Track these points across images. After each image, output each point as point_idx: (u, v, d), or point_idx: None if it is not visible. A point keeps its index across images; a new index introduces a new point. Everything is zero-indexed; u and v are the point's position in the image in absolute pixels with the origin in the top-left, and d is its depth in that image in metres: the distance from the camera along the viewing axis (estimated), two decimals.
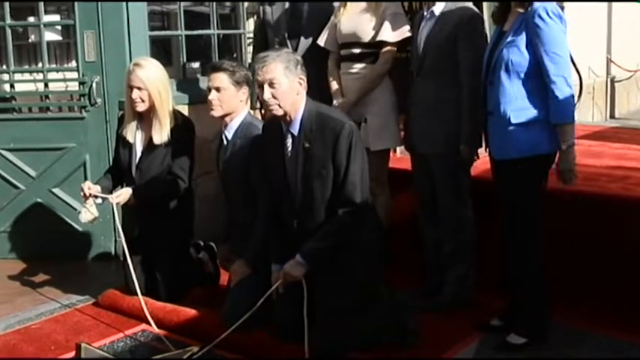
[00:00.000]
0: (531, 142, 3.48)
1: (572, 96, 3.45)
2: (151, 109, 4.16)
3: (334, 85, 4.43)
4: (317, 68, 4.37)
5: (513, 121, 3.48)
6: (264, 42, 4.81)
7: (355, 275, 3.52)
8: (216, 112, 4.01)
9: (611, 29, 10.87)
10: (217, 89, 3.96)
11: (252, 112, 4.42)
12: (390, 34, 4.22)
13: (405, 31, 4.23)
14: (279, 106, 3.52)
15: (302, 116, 3.57)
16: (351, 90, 4.33)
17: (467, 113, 3.86)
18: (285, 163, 3.63)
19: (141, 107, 4.15)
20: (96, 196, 4.15)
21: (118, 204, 4.16)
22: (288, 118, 3.57)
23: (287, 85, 3.50)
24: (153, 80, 4.12)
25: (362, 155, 3.54)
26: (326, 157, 3.49)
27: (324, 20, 4.53)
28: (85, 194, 4.12)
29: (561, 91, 3.40)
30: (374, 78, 4.28)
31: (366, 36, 4.26)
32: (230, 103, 3.99)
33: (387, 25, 4.22)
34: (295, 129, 3.58)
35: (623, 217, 4.16)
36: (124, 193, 4.14)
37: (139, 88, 4.11)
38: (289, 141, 3.61)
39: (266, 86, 3.49)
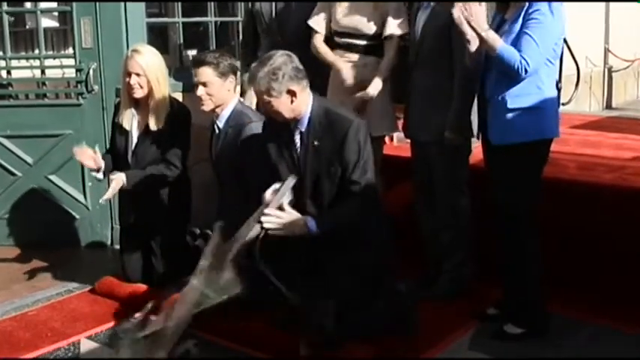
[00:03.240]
0: (530, 127, 3.49)
1: (518, 77, 3.44)
2: (149, 96, 4.15)
3: (340, 63, 4.37)
4: (302, 53, 4.37)
5: (510, 106, 3.50)
6: (253, 31, 4.82)
7: (362, 267, 3.52)
8: (207, 107, 4.00)
9: (608, 19, 10.88)
10: (204, 84, 3.94)
11: (241, 99, 4.41)
12: (397, 28, 4.23)
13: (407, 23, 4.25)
14: (281, 116, 3.56)
15: (310, 113, 3.58)
16: (352, 79, 4.33)
17: (456, 100, 3.87)
18: (295, 160, 3.64)
19: (139, 94, 4.14)
20: (97, 170, 4.17)
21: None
22: (293, 119, 3.59)
23: (277, 102, 3.50)
24: (151, 67, 4.12)
25: (370, 152, 3.56)
26: (334, 154, 3.51)
27: (312, 9, 4.51)
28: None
29: (516, 69, 3.41)
30: (388, 70, 4.28)
31: (369, 29, 4.27)
32: (219, 95, 3.97)
33: (391, 19, 4.24)
34: (303, 126, 3.60)
35: (619, 206, 4.16)
36: (117, 179, 4.14)
37: (138, 75, 4.10)
38: (297, 137, 3.62)
39: (262, 101, 3.56)
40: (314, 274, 3.55)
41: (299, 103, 3.54)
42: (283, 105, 3.51)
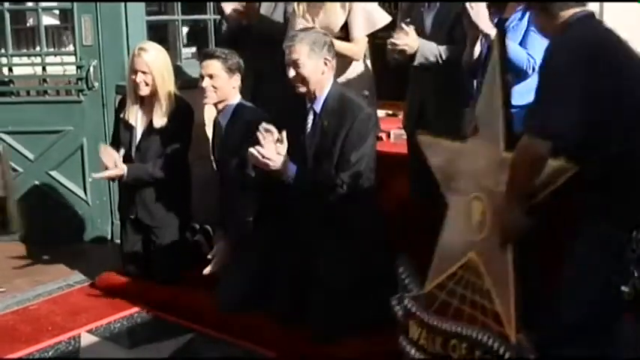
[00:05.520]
0: None
1: (525, 76, 3.49)
2: (154, 93, 4.21)
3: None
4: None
5: (514, 103, 3.53)
6: None
7: (355, 256, 3.57)
8: (210, 100, 4.03)
9: (602, 18, 10.87)
10: (210, 76, 3.98)
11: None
12: (361, 31, 4.18)
13: (375, 24, 4.21)
14: (303, 84, 3.64)
15: (327, 95, 3.67)
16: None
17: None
18: (304, 138, 3.72)
19: (144, 91, 4.20)
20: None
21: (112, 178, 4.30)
22: (312, 95, 3.68)
23: (311, 66, 3.61)
24: (157, 64, 4.18)
25: (373, 143, 3.66)
26: (339, 137, 3.59)
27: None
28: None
29: (524, 68, 3.46)
30: (339, 48, 4.09)
31: (337, 28, 4.18)
32: (223, 90, 4.01)
33: (359, 19, 4.17)
34: (318, 107, 3.69)
35: None
36: (119, 168, 4.18)
37: (144, 72, 4.16)
38: (310, 117, 3.72)
39: (295, 64, 3.62)
40: (307, 267, 3.61)
41: (325, 78, 3.66)
42: (314, 72, 3.61)
